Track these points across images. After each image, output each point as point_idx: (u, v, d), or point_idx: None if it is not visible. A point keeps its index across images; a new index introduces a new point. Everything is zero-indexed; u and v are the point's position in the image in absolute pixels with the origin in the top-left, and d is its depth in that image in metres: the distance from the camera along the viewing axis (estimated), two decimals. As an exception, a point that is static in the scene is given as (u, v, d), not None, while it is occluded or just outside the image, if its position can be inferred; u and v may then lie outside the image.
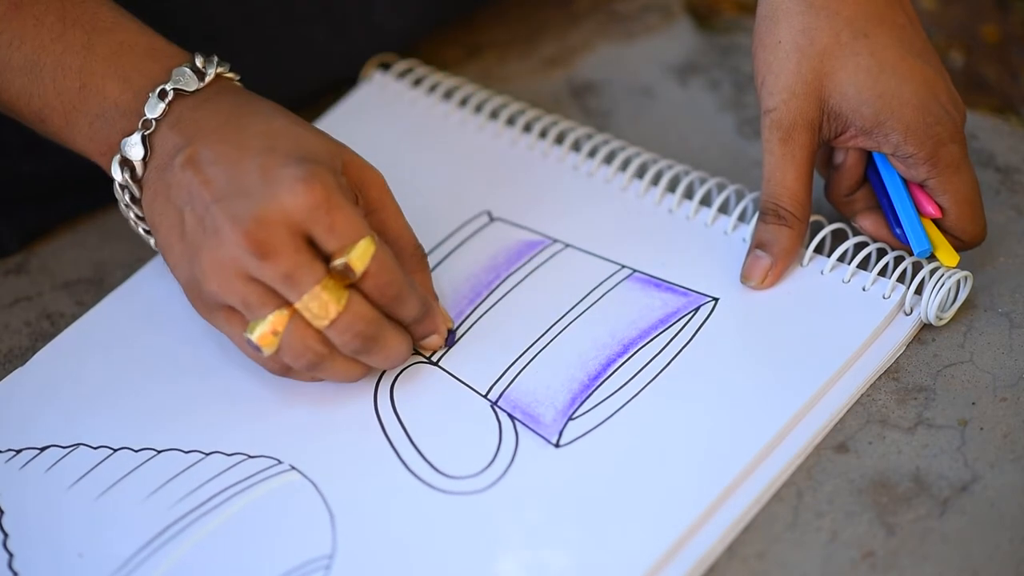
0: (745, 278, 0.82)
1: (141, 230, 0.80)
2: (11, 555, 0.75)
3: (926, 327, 0.82)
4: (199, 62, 0.78)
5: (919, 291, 0.82)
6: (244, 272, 0.73)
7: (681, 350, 0.80)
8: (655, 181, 0.90)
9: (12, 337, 0.87)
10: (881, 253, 0.84)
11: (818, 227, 0.86)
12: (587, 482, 0.75)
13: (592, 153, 0.92)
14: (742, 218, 0.87)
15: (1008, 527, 0.74)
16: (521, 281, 0.85)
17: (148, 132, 0.77)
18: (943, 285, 0.81)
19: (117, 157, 0.77)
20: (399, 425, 0.78)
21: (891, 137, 0.80)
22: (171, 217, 0.75)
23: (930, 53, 0.81)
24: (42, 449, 0.79)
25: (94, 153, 0.79)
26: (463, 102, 0.96)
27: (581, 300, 0.83)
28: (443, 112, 0.96)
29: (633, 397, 0.78)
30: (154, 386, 0.81)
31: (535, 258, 0.86)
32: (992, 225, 0.85)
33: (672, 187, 0.89)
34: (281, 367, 0.77)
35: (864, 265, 0.83)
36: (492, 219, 0.89)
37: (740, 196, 0.87)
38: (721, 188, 0.88)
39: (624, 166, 0.91)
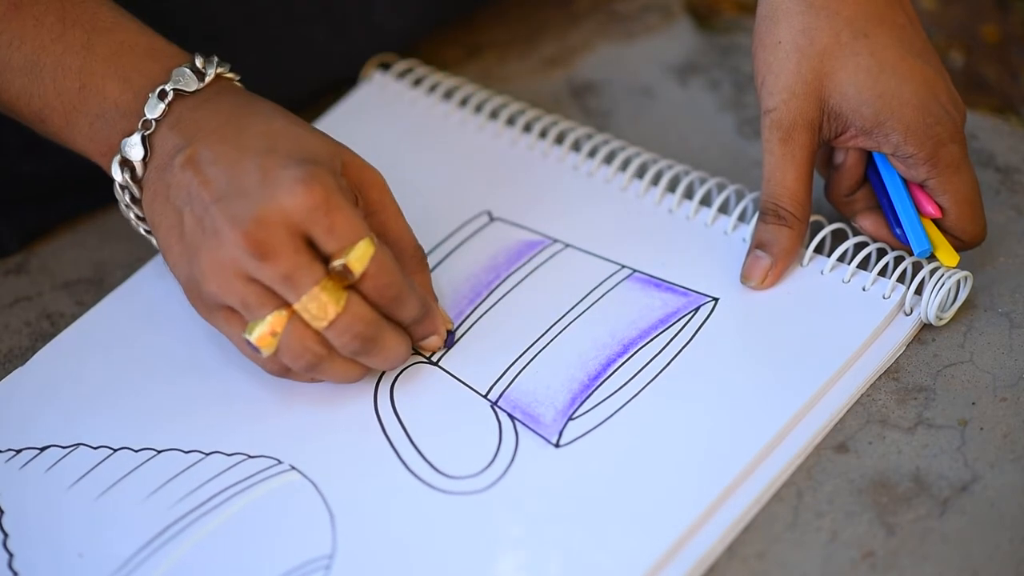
0: (745, 278, 0.82)
1: (142, 230, 0.80)
2: (11, 555, 0.75)
3: (926, 327, 0.82)
4: (199, 62, 0.78)
5: (919, 291, 0.82)
6: (243, 272, 0.73)
7: (681, 350, 0.80)
8: (655, 181, 0.90)
9: (12, 337, 0.87)
10: (881, 253, 0.84)
11: (818, 227, 0.86)
12: (587, 482, 0.75)
13: (592, 153, 0.92)
14: (742, 218, 0.87)
15: (1008, 527, 0.74)
16: (521, 281, 0.85)
17: (148, 132, 0.77)
18: (943, 285, 0.81)
19: (117, 157, 0.77)
20: (399, 425, 0.78)
21: (891, 137, 0.80)
22: (171, 217, 0.75)
23: (930, 53, 0.81)
24: (42, 449, 0.79)
25: (94, 153, 0.79)
26: (463, 102, 0.96)
27: (581, 300, 0.83)
28: (443, 112, 0.96)
29: (633, 397, 0.78)
30: (154, 386, 0.81)
31: (535, 258, 0.86)
32: (992, 225, 0.85)
33: (672, 187, 0.89)
34: (280, 368, 0.77)
35: (864, 265, 0.83)
36: (492, 219, 0.89)
37: (740, 196, 0.87)
38: (721, 188, 0.88)
39: (624, 166, 0.91)
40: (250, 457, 0.78)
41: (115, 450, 0.79)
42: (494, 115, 0.95)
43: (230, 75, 0.79)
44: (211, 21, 0.93)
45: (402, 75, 0.98)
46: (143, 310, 0.85)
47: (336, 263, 0.73)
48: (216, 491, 0.76)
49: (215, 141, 0.75)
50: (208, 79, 0.78)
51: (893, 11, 0.81)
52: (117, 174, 0.77)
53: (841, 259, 0.83)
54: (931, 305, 0.81)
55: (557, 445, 0.77)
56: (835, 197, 0.85)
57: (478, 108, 0.96)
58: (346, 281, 0.74)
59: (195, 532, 0.75)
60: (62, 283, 0.90)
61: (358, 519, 0.75)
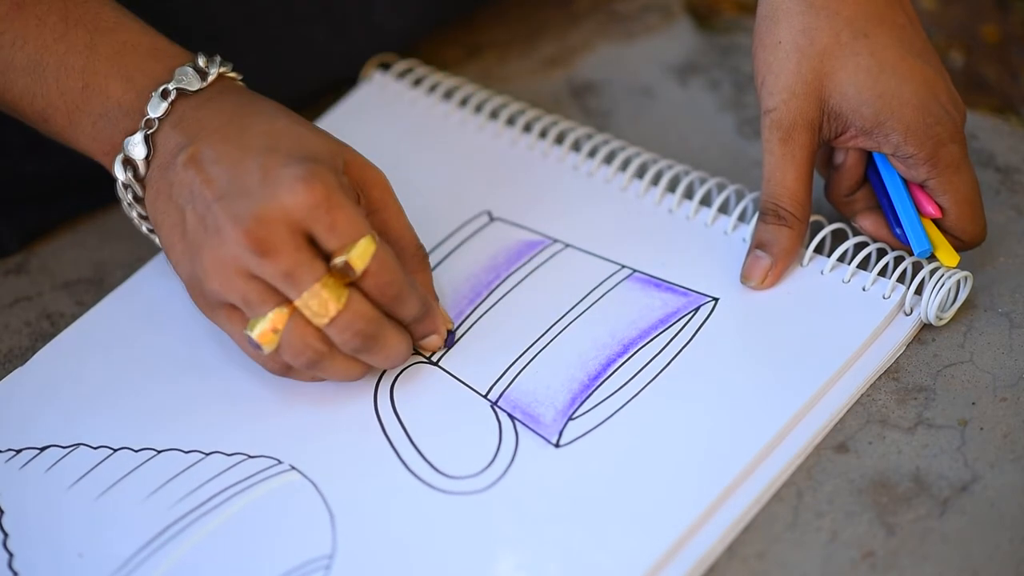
0: (745, 278, 0.82)
1: (145, 229, 0.80)
2: (11, 555, 0.75)
3: (926, 327, 0.82)
4: (201, 62, 0.78)
5: (919, 291, 0.82)
6: (245, 270, 0.73)
7: (681, 350, 0.80)
8: (655, 181, 0.90)
9: (12, 337, 0.87)
10: (881, 253, 0.84)
11: (818, 227, 0.86)
12: (587, 482, 0.75)
13: (592, 153, 0.92)
14: (742, 218, 0.87)
15: (1008, 527, 0.74)
16: (521, 281, 0.85)
17: (151, 131, 0.77)
18: (943, 285, 0.81)
19: (120, 156, 0.77)
20: (399, 425, 0.78)
21: (891, 137, 0.80)
22: (173, 216, 0.75)
23: (930, 53, 0.81)
24: (42, 449, 0.79)
25: (97, 152, 0.79)
26: (463, 102, 0.96)
27: (581, 300, 0.83)
28: (443, 112, 0.96)
29: (633, 397, 0.78)
30: (154, 386, 0.81)
31: (535, 258, 0.86)
32: (992, 225, 0.85)
33: (672, 187, 0.89)
34: (281, 366, 0.77)
35: (864, 265, 0.83)
36: (492, 219, 0.89)
37: (740, 196, 0.87)
38: (721, 188, 0.88)
39: (624, 166, 0.91)
40: (250, 457, 0.78)
41: (115, 450, 0.79)
42: (494, 115, 0.95)
43: (232, 74, 0.79)
44: (212, 21, 0.93)
45: (402, 75, 0.98)
46: (143, 310, 0.85)
47: (337, 260, 0.73)
48: (216, 491, 0.76)
49: (217, 140, 0.75)
50: (211, 78, 0.78)
51: (893, 11, 0.81)
52: (120, 173, 0.77)
53: (841, 259, 0.83)
54: (931, 305, 0.81)
55: (557, 445, 0.77)
56: (835, 197, 0.85)
57: (478, 108, 0.96)
58: (347, 279, 0.74)
59: (195, 532, 0.75)
60: (62, 283, 0.90)
61: (358, 519, 0.75)
